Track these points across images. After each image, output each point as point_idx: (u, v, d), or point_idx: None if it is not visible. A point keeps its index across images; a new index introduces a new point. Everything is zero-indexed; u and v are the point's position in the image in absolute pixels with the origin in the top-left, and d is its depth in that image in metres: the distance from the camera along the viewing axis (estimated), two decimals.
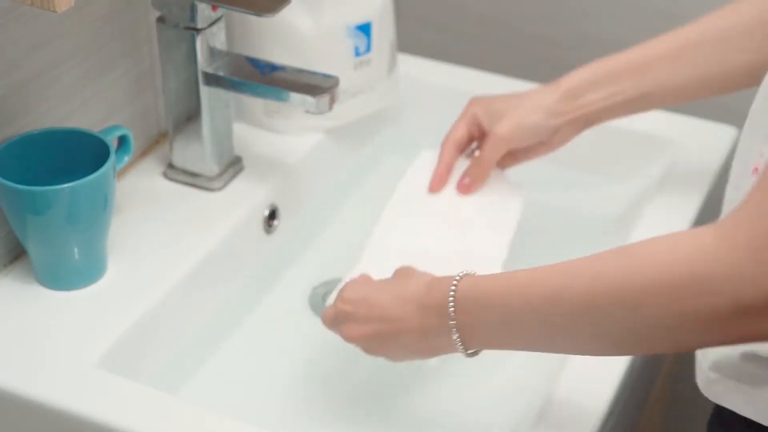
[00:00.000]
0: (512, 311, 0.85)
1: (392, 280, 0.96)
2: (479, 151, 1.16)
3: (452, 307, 0.87)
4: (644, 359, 1.08)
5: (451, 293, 0.87)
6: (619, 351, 0.86)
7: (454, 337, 0.88)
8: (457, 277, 0.88)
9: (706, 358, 0.90)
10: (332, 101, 1.11)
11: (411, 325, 0.91)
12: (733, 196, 0.89)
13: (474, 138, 1.17)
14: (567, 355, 0.97)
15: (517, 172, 1.31)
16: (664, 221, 1.13)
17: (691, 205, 1.16)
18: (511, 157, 1.17)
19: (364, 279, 1.00)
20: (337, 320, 0.97)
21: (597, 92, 1.11)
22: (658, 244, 0.78)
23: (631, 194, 1.26)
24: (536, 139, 1.14)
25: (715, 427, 0.95)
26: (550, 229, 1.24)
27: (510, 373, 1.08)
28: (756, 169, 0.85)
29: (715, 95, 1.09)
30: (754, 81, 0.98)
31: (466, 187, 1.16)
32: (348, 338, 0.96)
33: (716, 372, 0.89)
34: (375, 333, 0.93)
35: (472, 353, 0.90)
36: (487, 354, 0.91)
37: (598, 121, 1.14)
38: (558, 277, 0.82)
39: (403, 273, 0.97)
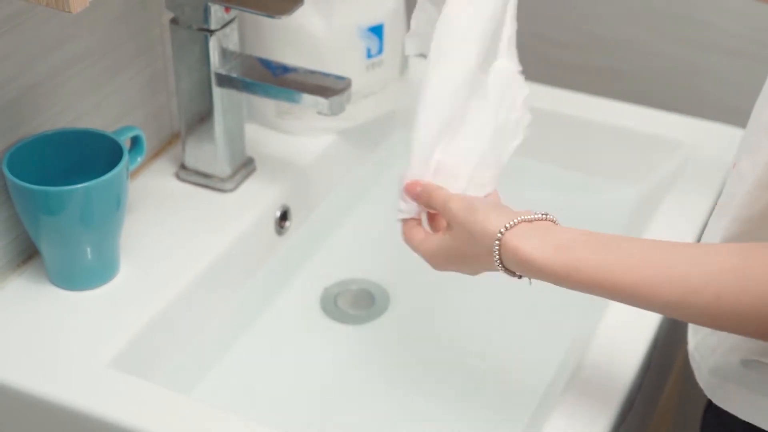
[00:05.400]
0: (585, 287, 0.84)
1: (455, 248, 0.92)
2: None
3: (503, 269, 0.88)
4: (660, 354, 1.08)
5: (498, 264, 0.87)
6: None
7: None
8: (496, 256, 0.87)
9: (705, 362, 0.90)
10: (344, 103, 1.11)
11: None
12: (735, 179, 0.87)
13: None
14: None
15: (525, 174, 1.31)
16: (674, 224, 1.13)
17: (701, 207, 1.16)
18: None
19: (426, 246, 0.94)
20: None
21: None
22: None
23: (642, 197, 1.26)
24: None
25: (710, 426, 0.95)
26: None
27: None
28: None
29: None
30: None
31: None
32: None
33: (716, 377, 0.89)
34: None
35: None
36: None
37: None
38: (669, 289, 0.79)
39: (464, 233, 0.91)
